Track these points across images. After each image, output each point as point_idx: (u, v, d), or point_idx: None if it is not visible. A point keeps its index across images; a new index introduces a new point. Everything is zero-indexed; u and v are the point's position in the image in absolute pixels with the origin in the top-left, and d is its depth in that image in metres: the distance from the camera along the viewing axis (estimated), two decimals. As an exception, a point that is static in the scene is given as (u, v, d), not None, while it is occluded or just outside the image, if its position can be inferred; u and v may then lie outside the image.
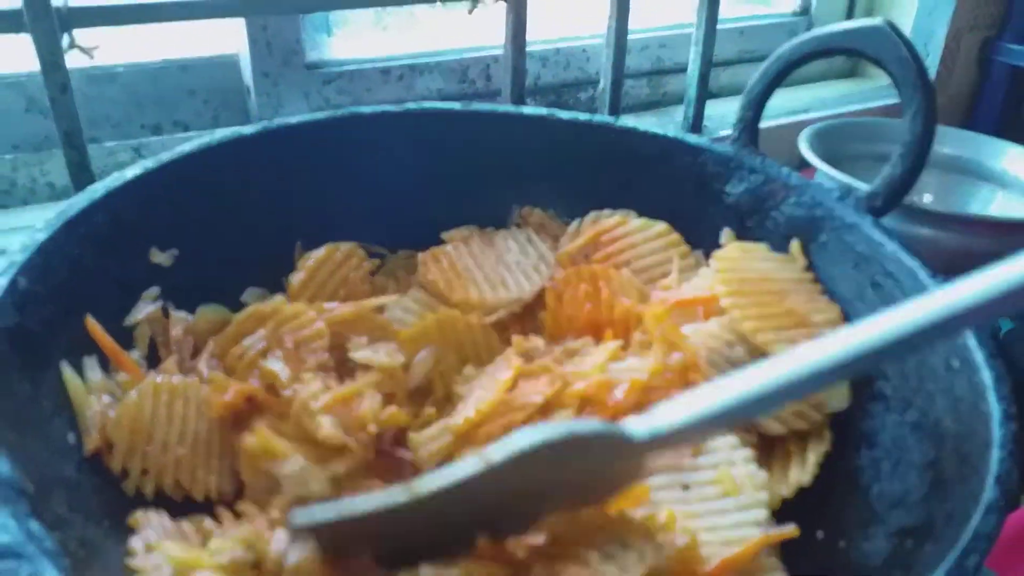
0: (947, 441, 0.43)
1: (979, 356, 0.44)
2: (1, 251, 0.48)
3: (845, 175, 0.82)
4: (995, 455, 0.39)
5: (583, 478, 0.39)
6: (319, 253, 0.59)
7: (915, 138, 0.55)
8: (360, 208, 0.62)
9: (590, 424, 0.39)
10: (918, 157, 0.56)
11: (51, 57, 0.68)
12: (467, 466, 0.37)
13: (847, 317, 0.54)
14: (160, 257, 0.55)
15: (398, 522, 0.39)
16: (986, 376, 0.43)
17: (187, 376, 0.51)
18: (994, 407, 0.41)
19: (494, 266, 0.61)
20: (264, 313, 0.54)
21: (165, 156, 0.55)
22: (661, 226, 0.61)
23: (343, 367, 0.53)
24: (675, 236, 0.61)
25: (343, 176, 0.62)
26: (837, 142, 0.94)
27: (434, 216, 0.63)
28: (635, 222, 0.61)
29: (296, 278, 0.58)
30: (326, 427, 0.46)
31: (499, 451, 0.37)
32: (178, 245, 0.56)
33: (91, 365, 0.48)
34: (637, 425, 0.38)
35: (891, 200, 0.56)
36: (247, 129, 0.59)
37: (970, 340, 0.45)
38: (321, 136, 0.61)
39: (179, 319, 0.55)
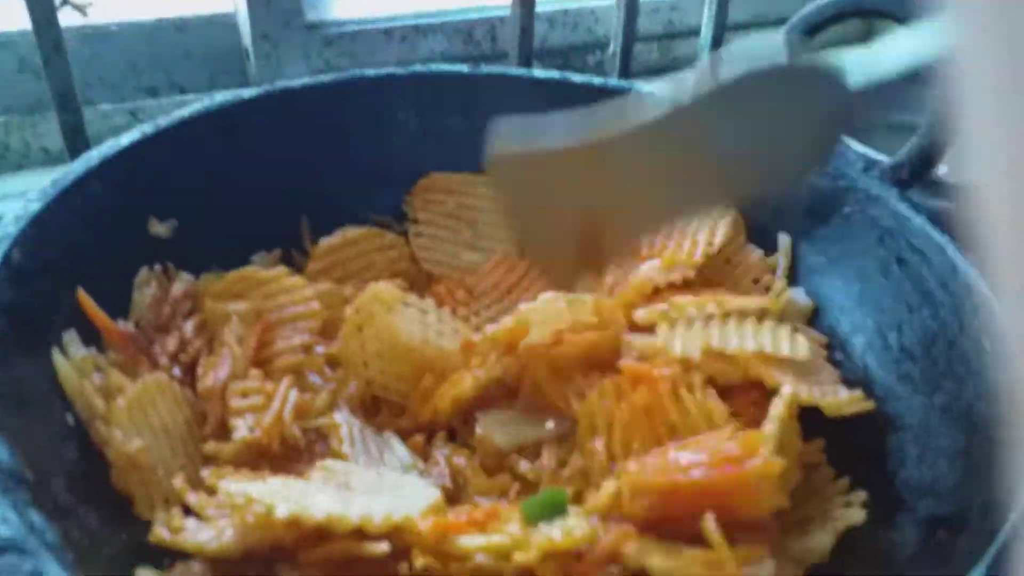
0: (979, 427, 0.42)
1: (1013, 338, 0.43)
2: (-5, 220, 0.46)
3: (860, 144, 0.80)
4: (1032, 443, 0.37)
5: (784, 129, 0.37)
6: (333, 239, 0.58)
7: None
8: (364, 175, 0.60)
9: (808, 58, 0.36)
10: (948, 127, 0.54)
11: (44, 14, 0.65)
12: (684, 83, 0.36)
13: (870, 295, 0.53)
14: (159, 227, 0.53)
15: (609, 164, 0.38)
16: (1021, 359, 0.41)
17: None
18: (1029, 392, 0.40)
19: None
20: (259, 279, 0.53)
21: (163, 121, 0.53)
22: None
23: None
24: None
25: (347, 141, 0.60)
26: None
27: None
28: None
29: (312, 266, 0.57)
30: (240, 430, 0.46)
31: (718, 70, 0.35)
32: (177, 215, 0.54)
33: (73, 341, 0.46)
34: (853, 71, 0.36)
35: (918, 172, 0.54)
36: (247, 92, 0.57)
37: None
38: (324, 100, 0.59)
39: (184, 279, 0.53)
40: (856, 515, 0.41)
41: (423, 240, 0.60)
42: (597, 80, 0.62)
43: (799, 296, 0.56)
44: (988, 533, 0.34)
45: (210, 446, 0.47)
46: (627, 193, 0.40)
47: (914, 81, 0.36)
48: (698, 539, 0.39)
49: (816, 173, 0.45)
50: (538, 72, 0.63)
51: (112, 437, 0.44)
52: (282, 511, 0.36)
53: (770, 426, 0.40)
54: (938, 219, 0.51)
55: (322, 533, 0.37)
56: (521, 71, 0.62)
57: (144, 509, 0.44)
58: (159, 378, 0.48)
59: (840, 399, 0.46)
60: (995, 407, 0.41)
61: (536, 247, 0.46)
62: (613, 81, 0.62)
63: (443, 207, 0.61)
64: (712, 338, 0.47)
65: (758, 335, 0.48)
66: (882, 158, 0.58)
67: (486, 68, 0.62)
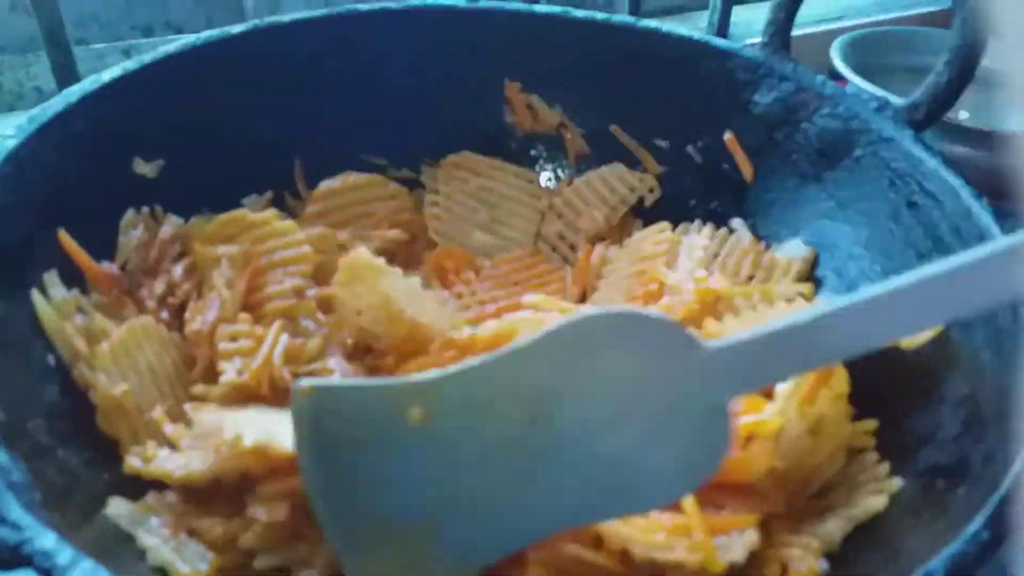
0: (985, 375, 0.40)
1: (1025, 284, 0.41)
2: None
3: (879, 88, 0.77)
4: (1040, 392, 0.36)
5: (630, 421, 0.32)
6: (334, 183, 0.56)
7: (965, 43, 0.50)
8: (357, 114, 0.58)
9: (657, 313, 0.32)
10: (967, 65, 0.51)
11: (29, -51, 0.63)
12: (519, 342, 0.32)
13: (878, 240, 0.51)
14: (145, 168, 0.52)
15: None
16: (1034, 306, 0.40)
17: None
18: (1041, 340, 0.38)
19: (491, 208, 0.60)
20: (249, 221, 0.51)
21: (147, 57, 0.51)
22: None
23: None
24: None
25: (339, 79, 0.58)
26: (872, 53, 0.88)
27: (437, 123, 0.59)
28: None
29: (310, 209, 0.56)
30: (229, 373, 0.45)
31: (553, 325, 0.31)
32: (164, 155, 0.52)
33: (53, 282, 0.44)
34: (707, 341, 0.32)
35: (935, 112, 0.52)
36: (236, 28, 0.55)
37: (1016, 267, 0.42)
38: (315, 35, 0.56)
39: (173, 221, 0.52)
40: (877, 502, 0.38)
41: (438, 211, 0.59)
42: (600, 16, 0.59)
43: (797, 247, 0.54)
44: (988, 484, 0.33)
45: (198, 388, 0.46)
46: (463, 471, 0.33)
47: None
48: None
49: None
50: (539, 7, 0.60)
51: (97, 380, 0.43)
52: (249, 439, 0.35)
53: (785, 387, 0.38)
54: (953, 162, 0.49)
55: (293, 465, 0.36)
56: (520, 5, 0.60)
57: (129, 450, 0.43)
58: (145, 321, 0.47)
59: None
60: (1002, 354, 0.40)
61: (353, 542, 0.35)
62: (617, 17, 0.59)
63: (466, 186, 0.60)
64: (766, 319, 0.46)
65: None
66: (896, 99, 0.55)
67: (484, 3, 0.60)
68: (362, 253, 0.48)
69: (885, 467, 0.40)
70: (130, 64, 0.50)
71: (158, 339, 0.47)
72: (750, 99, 0.56)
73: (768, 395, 0.41)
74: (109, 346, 0.44)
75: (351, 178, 0.57)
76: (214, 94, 0.54)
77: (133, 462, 0.41)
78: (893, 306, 0.30)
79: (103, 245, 0.49)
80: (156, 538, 0.38)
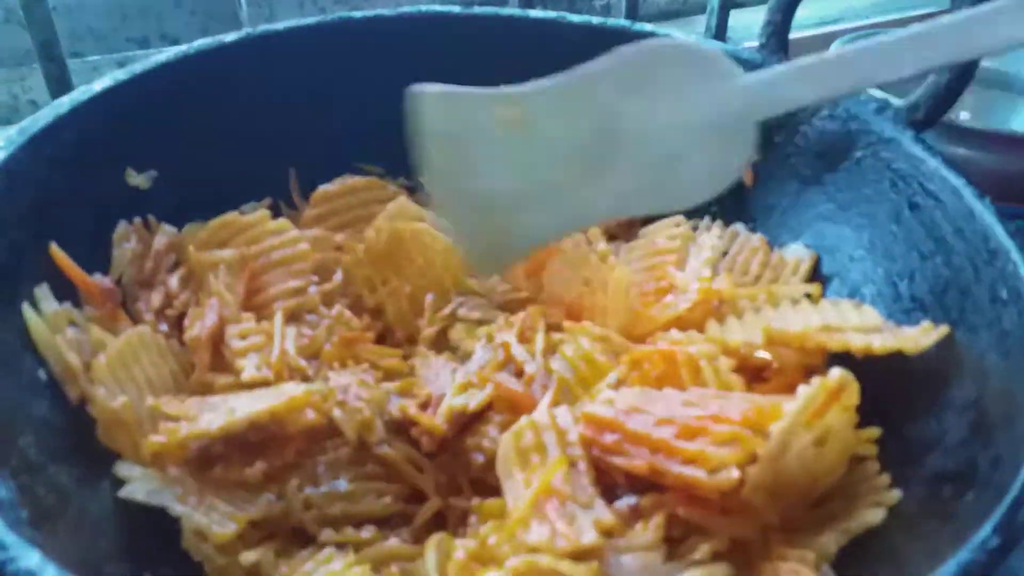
0: (991, 379, 0.39)
1: (1031, 286, 0.40)
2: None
3: (878, 90, 0.76)
4: (1048, 395, 0.35)
5: (677, 132, 0.40)
6: (332, 186, 0.56)
7: (965, 42, 0.49)
8: (352, 122, 0.58)
9: (705, 45, 0.40)
10: (967, 65, 0.50)
11: (23, -39, 0.63)
12: (589, 67, 0.40)
13: (880, 242, 0.50)
14: (137, 179, 0.51)
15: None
16: (1039, 308, 0.39)
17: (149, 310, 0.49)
18: (1047, 342, 0.37)
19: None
20: (242, 224, 0.51)
21: (138, 67, 0.51)
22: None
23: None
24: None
25: (334, 87, 0.57)
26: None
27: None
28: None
29: (308, 213, 0.55)
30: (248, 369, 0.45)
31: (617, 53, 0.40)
32: (157, 166, 0.52)
33: (45, 295, 0.44)
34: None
35: (934, 112, 0.51)
36: (229, 37, 0.54)
37: (1021, 269, 0.41)
38: (310, 44, 0.56)
39: (166, 231, 0.51)
40: (874, 516, 0.37)
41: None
42: (596, 20, 0.59)
43: (798, 251, 0.53)
44: (996, 489, 0.32)
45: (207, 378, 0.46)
46: (544, 164, 0.42)
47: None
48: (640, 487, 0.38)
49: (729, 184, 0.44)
50: (534, 12, 0.60)
51: (95, 394, 0.43)
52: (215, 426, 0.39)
53: (795, 403, 0.37)
54: (954, 163, 0.48)
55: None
56: (514, 10, 0.59)
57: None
58: (141, 332, 0.46)
59: (915, 335, 0.42)
60: (1008, 357, 0.39)
61: (454, 212, 0.46)
62: (612, 21, 0.59)
63: None
64: (770, 321, 0.45)
65: (820, 311, 0.46)
66: (895, 100, 0.55)
67: (478, 9, 0.59)
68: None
69: (886, 478, 0.39)
70: (120, 74, 0.50)
71: (156, 349, 0.47)
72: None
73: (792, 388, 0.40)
74: (106, 358, 0.44)
75: (350, 181, 0.57)
76: (207, 103, 0.54)
77: (155, 438, 0.41)
78: (890, 51, 0.39)
79: (96, 257, 0.48)
80: (184, 506, 0.39)
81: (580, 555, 0.36)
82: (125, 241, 0.50)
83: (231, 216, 0.51)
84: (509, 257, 0.47)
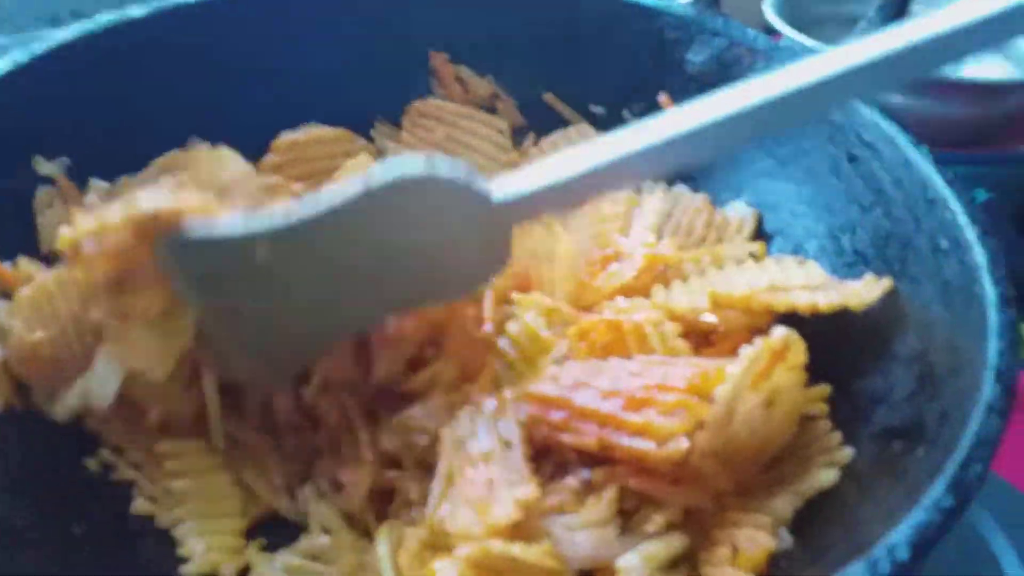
0: (936, 330, 0.39)
1: (970, 234, 0.40)
2: None
3: (814, 40, 0.76)
4: (992, 346, 0.35)
5: (439, 247, 0.40)
6: (297, 134, 0.54)
7: (897, -12, 0.49)
8: (279, 93, 0.55)
9: (448, 168, 0.39)
10: (898, 11, 0.50)
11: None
12: (337, 193, 0.39)
13: (821, 197, 0.50)
14: (47, 167, 0.48)
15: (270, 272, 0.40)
16: (979, 256, 0.39)
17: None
18: (989, 291, 0.37)
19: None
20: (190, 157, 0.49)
21: (38, 47, 0.47)
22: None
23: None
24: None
25: (258, 58, 0.54)
26: (803, 5, 0.87)
27: (362, 99, 0.56)
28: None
29: (269, 159, 0.53)
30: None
31: (364, 180, 0.38)
32: (68, 152, 0.49)
33: None
34: (496, 188, 0.39)
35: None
36: (136, 11, 0.51)
37: (960, 217, 0.41)
38: (221, 17, 0.53)
39: (98, 186, 0.49)
40: (827, 477, 0.37)
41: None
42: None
43: (740, 209, 0.52)
44: (945, 446, 0.32)
45: None
46: (311, 287, 0.42)
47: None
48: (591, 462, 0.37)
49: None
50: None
51: (12, 326, 0.42)
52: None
53: (737, 366, 0.37)
54: (891, 112, 0.47)
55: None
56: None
57: (42, 399, 0.43)
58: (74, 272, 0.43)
59: (858, 289, 0.42)
60: (951, 308, 0.39)
61: (228, 339, 0.44)
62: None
63: (431, 136, 0.57)
64: (715, 284, 0.45)
65: (764, 271, 0.45)
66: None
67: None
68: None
69: (837, 436, 0.39)
70: (20, 55, 0.47)
71: (86, 292, 0.43)
72: (683, 58, 0.54)
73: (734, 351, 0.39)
74: (30, 291, 0.42)
75: (316, 130, 0.54)
76: (119, 82, 0.50)
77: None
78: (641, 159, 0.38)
79: (22, 239, 0.46)
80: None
81: (527, 535, 0.36)
82: (48, 208, 0.48)
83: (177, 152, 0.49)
84: (289, 369, 0.45)
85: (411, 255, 0.40)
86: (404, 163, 0.39)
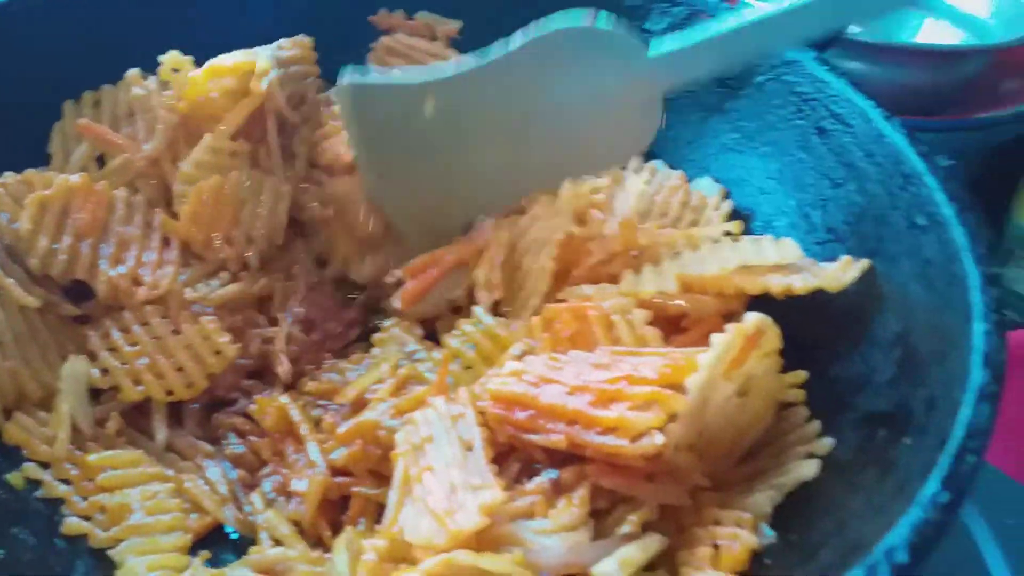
0: (916, 311, 0.37)
1: (948, 211, 0.38)
2: None
3: (771, 4, 0.74)
4: (977, 328, 0.33)
5: (595, 105, 0.42)
6: None
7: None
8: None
9: (606, 20, 0.41)
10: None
11: None
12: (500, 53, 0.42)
13: (790, 172, 0.48)
14: None
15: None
16: (958, 234, 0.37)
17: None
18: (970, 270, 0.35)
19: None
20: None
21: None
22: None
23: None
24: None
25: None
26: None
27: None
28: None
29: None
30: None
31: (523, 35, 0.41)
32: None
33: None
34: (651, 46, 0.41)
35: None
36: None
37: (937, 194, 0.39)
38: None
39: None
40: (807, 469, 0.35)
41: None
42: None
43: (706, 186, 0.50)
44: (936, 435, 0.30)
45: None
46: (469, 146, 0.44)
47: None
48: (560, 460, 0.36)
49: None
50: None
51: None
52: None
53: (710, 354, 0.34)
54: (861, 83, 0.46)
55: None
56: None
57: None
58: None
59: (835, 271, 0.40)
60: (933, 288, 0.37)
61: (390, 198, 0.48)
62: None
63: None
64: (686, 267, 0.42)
65: (737, 251, 0.42)
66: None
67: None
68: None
69: (816, 425, 0.37)
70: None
71: None
72: (642, 28, 0.52)
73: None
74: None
75: None
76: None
77: None
78: (794, 18, 0.41)
79: None
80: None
81: (494, 543, 0.33)
82: None
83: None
84: (444, 235, 0.47)
85: (567, 114, 0.43)
86: (564, 17, 0.41)
